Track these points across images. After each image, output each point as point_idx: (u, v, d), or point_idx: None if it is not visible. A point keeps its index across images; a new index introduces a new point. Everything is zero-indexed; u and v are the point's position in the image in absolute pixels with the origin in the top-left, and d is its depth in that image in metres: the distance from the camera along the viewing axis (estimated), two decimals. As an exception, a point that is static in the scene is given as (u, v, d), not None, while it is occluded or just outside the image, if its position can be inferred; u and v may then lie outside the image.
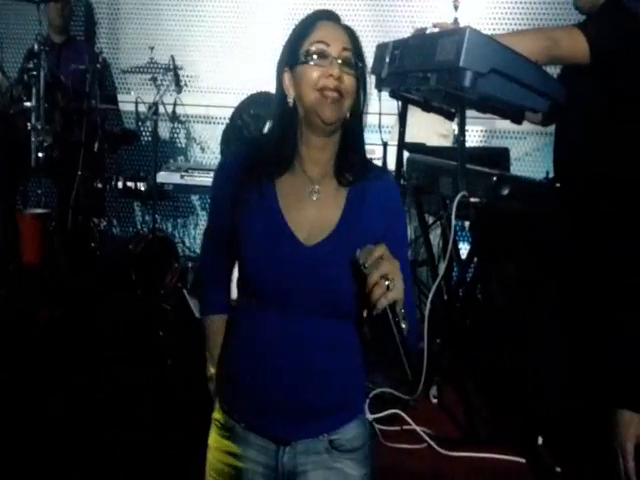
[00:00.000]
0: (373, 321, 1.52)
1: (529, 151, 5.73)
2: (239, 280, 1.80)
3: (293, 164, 1.78)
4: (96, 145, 5.22)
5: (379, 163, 4.60)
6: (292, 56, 1.77)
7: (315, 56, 1.73)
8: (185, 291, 5.04)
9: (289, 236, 1.71)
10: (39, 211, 5.09)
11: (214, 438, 1.83)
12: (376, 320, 1.49)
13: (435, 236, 4.34)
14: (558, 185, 3.21)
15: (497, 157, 4.24)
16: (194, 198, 6.44)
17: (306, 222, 1.74)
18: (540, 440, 3.26)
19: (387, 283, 1.48)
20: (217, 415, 1.83)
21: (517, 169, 4.67)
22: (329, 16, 1.80)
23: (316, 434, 1.75)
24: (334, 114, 1.72)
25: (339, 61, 1.71)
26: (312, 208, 1.76)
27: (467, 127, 3.29)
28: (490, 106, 3.21)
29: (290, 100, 1.76)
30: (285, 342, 1.69)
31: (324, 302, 1.69)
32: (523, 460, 3.24)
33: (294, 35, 1.79)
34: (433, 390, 3.73)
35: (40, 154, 4.94)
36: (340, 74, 1.70)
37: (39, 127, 4.90)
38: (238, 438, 1.76)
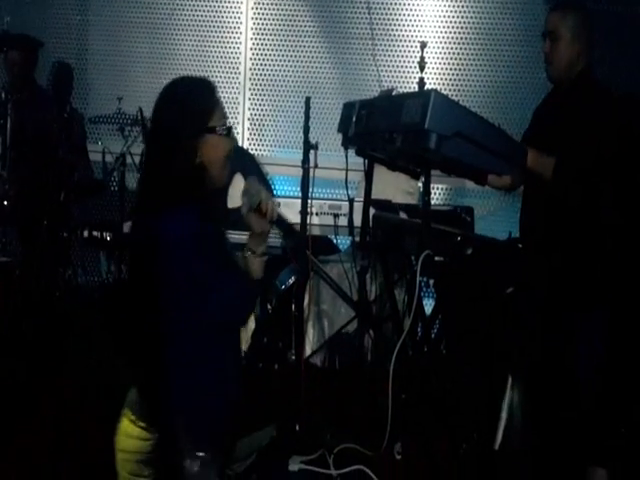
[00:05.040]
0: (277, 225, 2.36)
1: (493, 210, 5.81)
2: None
3: None
4: (62, 195, 5.22)
5: (345, 219, 4.64)
6: (202, 126, 2.21)
7: (225, 131, 2.25)
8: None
9: None
10: (3, 259, 5.04)
11: None
12: (277, 223, 2.33)
13: (400, 292, 4.36)
14: (520, 245, 3.27)
15: (462, 216, 4.30)
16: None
17: None
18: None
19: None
20: None
21: (481, 227, 4.73)
22: (217, 92, 2.30)
23: None
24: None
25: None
26: None
27: (432, 185, 3.33)
28: (454, 168, 3.26)
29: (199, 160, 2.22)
30: None
31: None
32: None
33: (199, 108, 2.23)
34: (397, 446, 3.71)
35: (5, 203, 4.93)
36: None
37: (5, 176, 4.88)
38: None
